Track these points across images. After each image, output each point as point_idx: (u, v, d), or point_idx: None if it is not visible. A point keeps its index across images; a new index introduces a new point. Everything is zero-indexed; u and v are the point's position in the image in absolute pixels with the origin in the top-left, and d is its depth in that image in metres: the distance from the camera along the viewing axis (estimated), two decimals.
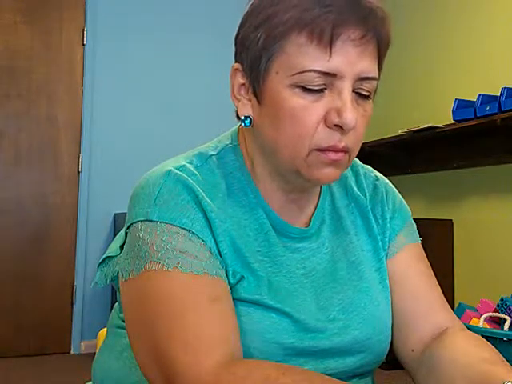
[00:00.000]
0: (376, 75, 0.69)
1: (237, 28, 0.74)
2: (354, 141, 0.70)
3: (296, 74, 0.66)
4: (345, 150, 0.69)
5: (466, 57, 3.21)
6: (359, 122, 0.68)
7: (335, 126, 0.67)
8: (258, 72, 0.70)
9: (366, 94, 0.69)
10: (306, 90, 0.67)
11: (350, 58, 0.66)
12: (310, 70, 0.65)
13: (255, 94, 0.71)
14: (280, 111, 0.68)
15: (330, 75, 0.66)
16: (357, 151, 0.73)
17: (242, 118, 0.74)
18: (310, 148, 0.68)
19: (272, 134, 0.70)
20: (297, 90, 0.67)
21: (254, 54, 0.69)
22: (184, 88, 3.90)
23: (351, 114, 0.66)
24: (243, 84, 0.73)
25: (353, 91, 0.68)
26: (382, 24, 0.69)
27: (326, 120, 0.67)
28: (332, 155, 0.69)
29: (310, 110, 0.67)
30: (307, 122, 0.67)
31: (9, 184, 3.49)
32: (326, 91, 0.67)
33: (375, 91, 0.71)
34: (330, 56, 0.65)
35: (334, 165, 0.70)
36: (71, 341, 3.55)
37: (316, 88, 0.66)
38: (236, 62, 0.74)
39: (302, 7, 0.65)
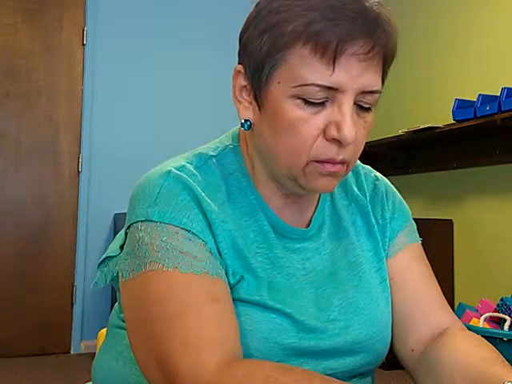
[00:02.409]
0: (379, 88, 0.68)
1: (241, 28, 0.73)
2: (352, 153, 0.69)
3: (298, 86, 0.65)
4: (343, 162, 0.69)
5: (465, 57, 3.22)
6: (359, 134, 0.68)
7: (334, 139, 0.67)
8: (259, 79, 0.69)
9: (368, 106, 0.69)
10: (307, 102, 0.66)
11: (353, 73, 0.65)
12: (312, 84, 0.65)
13: (256, 99, 0.71)
14: (280, 121, 0.68)
15: (332, 89, 0.65)
16: (355, 161, 0.73)
17: (242, 121, 0.73)
18: (308, 159, 0.68)
19: (270, 142, 0.70)
20: (298, 101, 0.66)
21: (257, 61, 0.69)
22: (184, 88, 3.90)
23: (350, 130, 0.65)
24: (245, 86, 0.73)
25: (354, 103, 0.67)
26: (389, 37, 0.67)
27: (325, 133, 0.67)
28: (330, 167, 0.69)
29: (310, 123, 0.66)
30: (306, 134, 0.67)
31: (9, 184, 3.49)
32: (327, 103, 0.67)
33: (377, 101, 0.71)
34: (333, 71, 0.64)
35: (332, 176, 0.70)
36: (71, 341, 3.55)
37: (317, 101, 0.66)
38: (239, 63, 0.74)
39: (308, 18, 0.64)
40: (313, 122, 0.66)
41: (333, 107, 0.67)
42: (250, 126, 0.73)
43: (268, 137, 0.70)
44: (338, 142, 0.67)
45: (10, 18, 3.52)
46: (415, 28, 3.59)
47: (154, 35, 3.86)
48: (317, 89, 0.65)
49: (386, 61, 0.69)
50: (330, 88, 0.65)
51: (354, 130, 0.66)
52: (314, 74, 0.64)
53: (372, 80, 0.67)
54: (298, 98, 0.66)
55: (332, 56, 0.64)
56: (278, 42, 0.66)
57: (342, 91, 0.65)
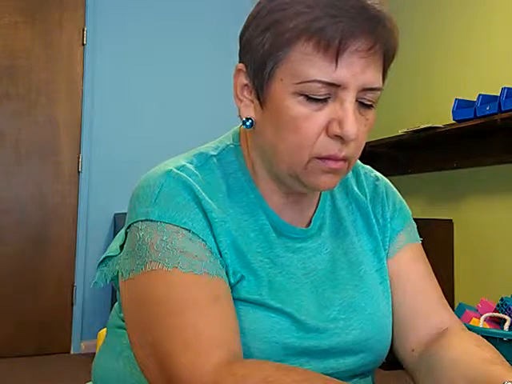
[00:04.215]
0: (380, 85, 0.69)
1: (242, 27, 0.73)
2: (354, 150, 0.70)
3: (300, 82, 0.66)
4: (345, 159, 0.69)
5: (465, 57, 3.22)
6: (361, 132, 0.68)
7: (336, 136, 0.67)
8: (262, 77, 0.69)
9: (369, 103, 0.69)
10: (309, 98, 0.66)
11: (355, 70, 0.65)
12: (315, 81, 0.65)
13: (258, 97, 0.71)
14: (282, 118, 0.68)
15: (335, 85, 0.65)
16: (357, 158, 0.73)
17: (244, 119, 0.74)
18: (310, 156, 0.68)
19: (272, 140, 0.70)
20: (300, 98, 0.66)
21: (259, 59, 0.69)
22: (184, 87, 3.90)
23: (353, 126, 0.66)
24: (246, 85, 0.73)
25: (356, 101, 0.67)
26: (390, 35, 0.68)
27: (327, 130, 0.67)
28: (332, 164, 0.69)
29: (312, 120, 0.67)
30: (309, 131, 0.67)
31: (9, 184, 3.48)
32: (330, 100, 0.67)
33: (378, 99, 0.71)
34: (336, 67, 0.64)
35: (333, 172, 0.70)
36: (71, 341, 3.55)
37: (320, 98, 0.66)
38: (240, 61, 0.74)
39: (311, 15, 0.64)
40: (315, 118, 0.67)
41: (335, 104, 0.67)
42: (251, 125, 0.73)
43: (270, 134, 0.70)
44: (341, 139, 0.67)
45: (10, 18, 3.52)
46: (415, 28, 3.59)
47: (153, 35, 3.86)
48: (319, 85, 0.65)
49: (387, 58, 0.70)
50: (332, 84, 0.65)
51: (356, 126, 0.66)
52: (317, 70, 0.65)
53: (373, 77, 0.67)
54: (301, 94, 0.66)
55: (335, 52, 0.64)
56: (281, 39, 0.66)
57: (344, 88, 0.66)
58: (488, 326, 2.28)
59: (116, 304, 0.86)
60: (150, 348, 0.65)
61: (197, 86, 3.92)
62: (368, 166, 0.92)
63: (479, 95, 2.83)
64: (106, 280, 0.77)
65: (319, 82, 0.65)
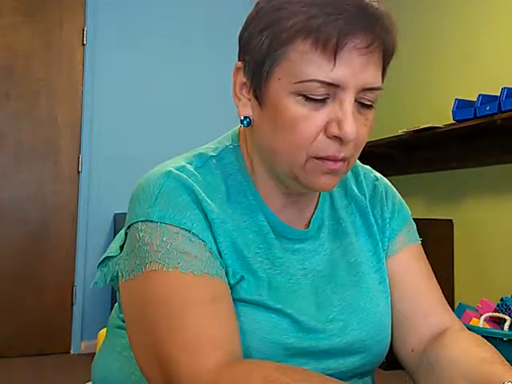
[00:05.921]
0: (380, 85, 0.68)
1: (242, 27, 0.73)
2: (353, 150, 0.69)
3: (299, 82, 0.65)
4: (344, 160, 0.69)
5: (465, 57, 3.22)
6: (361, 132, 0.68)
7: (335, 136, 0.67)
8: (260, 76, 0.69)
9: (369, 103, 0.69)
10: (308, 98, 0.66)
11: (354, 69, 0.65)
12: (313, 80, 0.65)
13: (256, 96, 0.71)
14: (280, 118, 0.67)
15: (334, 85, 0.65)
16: (356, 158, 0.73)
17: (242, 118, 0.73)
18: (308, 156, 0.68)
19: (270, 139, 0.70)
20: (299, 98, 0.66)
21: (257, 58, 0.69)
22: (184, 88, 3.90)
23: (352, 128, 0.65)
24: (245, 83, 0.73)
25: (355, 101, 0.67)
26: (388, 32, 0.68)
27: (326, 130, 0.67)
28: (331, 164, 0.68)
29: (311, 120, 0.66)
30: (307, 131, 0.66)
31: (9, 184, 3.48)
32: (329, 101, 0.66)
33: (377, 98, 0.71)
34: (334, 65, 0.64)
35: (333, 173, 0.70)
36: (71, 341, 3.55)
37: (318, 98, 0.66)
38: (239, 60, 0.74)
39: (308, 14, 0.64)
40: (313, 119, 0.66)
41: (334, 104, 0.66)
42: (249, 123, 0.73)
43: (268, 133, 0.70)
44: (339, 140, 0.67)
45: (9, 18, 3.52)
46: (415, 28, 3.59)
47: (154, 35, 3.86)
48: (317, 85, 0.65)
49: (386, 57, 0.70)
50: (330, 84, 0.65)
51: (355, 127, 0.66)
52: (315, 69, 0.64)
53: (373, 76, 0.67)
54: (299, 94, 0.66)
55: (333, 50, 0.64)
56: (279, 38, 0.66)
57: (343, 88, 0.65)
58: (488, 326, 2.28)
59: (116, 304, 0.86)
60: (149, 348, 0.65)
61: (197, 86, 3.92)
62: (368, 167, 0.92)
63: (479, 95, 2.83)
64: (106, 280, 0.77)
65: (317, 81, 0.65)
